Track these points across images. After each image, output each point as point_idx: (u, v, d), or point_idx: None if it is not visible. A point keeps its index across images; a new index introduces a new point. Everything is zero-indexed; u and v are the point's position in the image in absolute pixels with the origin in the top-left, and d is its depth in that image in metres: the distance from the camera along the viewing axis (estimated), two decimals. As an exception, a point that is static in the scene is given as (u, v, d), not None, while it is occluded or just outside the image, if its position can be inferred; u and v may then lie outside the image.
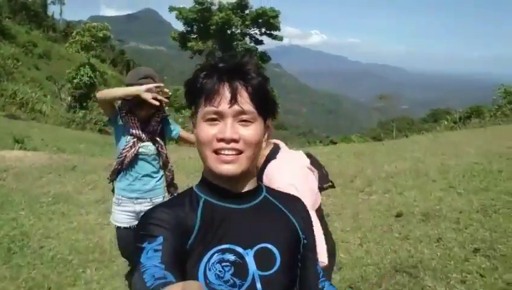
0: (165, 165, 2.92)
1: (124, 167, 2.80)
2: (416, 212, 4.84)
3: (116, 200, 2.87)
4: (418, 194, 5.31)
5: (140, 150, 2.77)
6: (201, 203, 1.05)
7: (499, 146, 6.90)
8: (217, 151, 0.99)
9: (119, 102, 2.76)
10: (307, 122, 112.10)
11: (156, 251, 0.89)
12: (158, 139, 2.84)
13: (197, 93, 1.02)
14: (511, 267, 3.47)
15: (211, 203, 1.05)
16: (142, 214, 2.76)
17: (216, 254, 0.97)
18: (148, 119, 2.75)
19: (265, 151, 1.89)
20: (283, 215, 1.12)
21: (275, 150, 1.93)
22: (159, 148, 2.85)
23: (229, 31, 33.02)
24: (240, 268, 0.98)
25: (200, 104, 1.02)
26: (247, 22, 33.10)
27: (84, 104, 22.14)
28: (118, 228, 2.87)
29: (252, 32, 34.31)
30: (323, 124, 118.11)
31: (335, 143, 34.02)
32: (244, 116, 0.99)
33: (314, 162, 2.09)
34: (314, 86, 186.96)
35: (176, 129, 3.02)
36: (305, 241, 1.14)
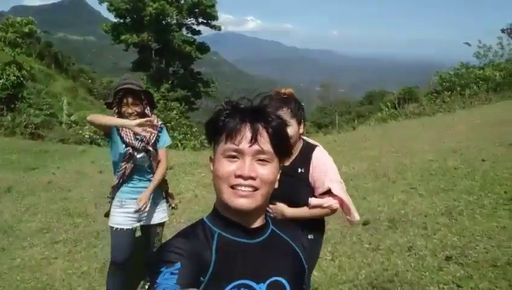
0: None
1: (125, 178, 2.98)
2: (383, 218, 4.77)
3: (118, 203, 3.01)
4: (381, 198, 5.26)
5: (137, 161, 2.97)
6: (215, 237, 1.08)
7: (449, 140, 7.06)
8: (233, 187, 1.05)
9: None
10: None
11: (172, 273, 0.93)
12: (150, 148, 2.98)
13: (218, 131, 1.08)
14: (484, 274, 3.45)
15: (225, 238, 1.09)
16: (143, 215, 3.01)
17: None
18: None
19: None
20: (289, 247, 1.19)
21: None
22: (150, 158, 2.99)
23: (164, 22, 31.60)
24: None
25: (220, 141, 1.08)
26: (183, 12, 31.91)
27: (12, 106, 20.32)
28: (116, 230, 3.00)
29: (189, 23, 33.20)
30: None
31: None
32: (262, 156, 1.06)
33: None
34: (250, 72, 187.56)
35: (165, 142, 3.15)
36: (306, 270, 1.21)
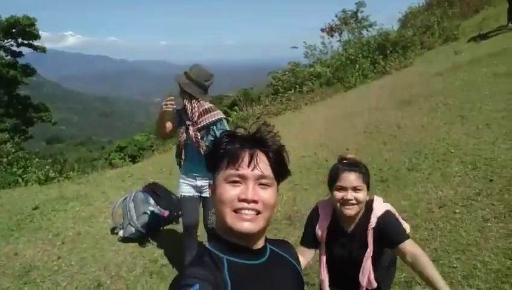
0: None
1: (181, 149, 3.70)
2: (280, 217, 4.81)
3: (183, 175, 3.71)
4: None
5: (184, 138, 3.61)
6: (225, 263, 1.10)
7: (312, 135, 7.31)
8: (237, 211, 1.08)
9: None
10: (82, 130, 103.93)
11: None
12: (192, 131, 3.54)
13: (219, 158, 1.12)
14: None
15: (234, 262, 1.11)
16: (203, 188, 3.68)
17: None
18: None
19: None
20: (289, 263, 1.26)
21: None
22: (194, 139, 3.55)
23: (-21, 46, 26.92)
24: None
25: (221, 168, 1.12)
26: (-2, 34, 27.64)
27: None
28: (183, 197, 3.70)
29: (7, 45, 28.81)
30: (100, 129, 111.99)
31: (124, 147, 32.55)
32: (263, 181, 1.10)
33: None
34: (80, 90, 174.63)
35: (217, 132, 3.49)
36: (304, 282, 1.30)
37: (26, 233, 5.47)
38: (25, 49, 29.37)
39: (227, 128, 3.60)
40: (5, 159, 13.13)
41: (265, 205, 1.10)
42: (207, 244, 1.18)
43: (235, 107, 16.40)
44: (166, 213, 5.17)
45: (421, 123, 6.47)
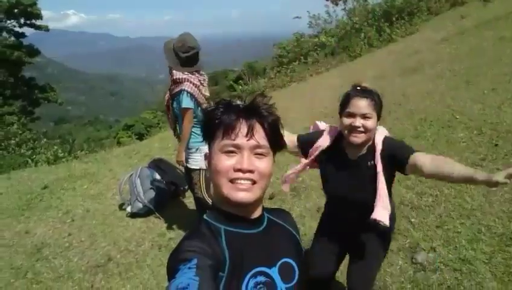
0: None
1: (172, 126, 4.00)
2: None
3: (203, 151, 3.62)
4: (274, 173, 5.33)
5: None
6: (223, 233, 1.11)
7: (318, 106, 7.25)
8: (233, 181, 1.08)
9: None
10: (89, 110, 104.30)
11: (190, 268, 0.93)
12: (166, 96, 3.86)
13: (215, 128, 1.12)
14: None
15: (231, 232, 1.12)
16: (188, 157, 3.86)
17: (251, 280, 1.07)
18: None
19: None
20: (286, 230, 1.28)
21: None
22: (165, 104, 3.90)
23: (-20, 28, 26.74)
24: (271, 286, 1.11)
25: (217, 138, 1.12)
26: (0, 15, 27.43)
27: None
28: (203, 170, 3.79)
29: (9, 26, 28.56)
30: (107, 109, 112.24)
31: (131, 126, 32.68)
32: (259, 150, 1.10)
33: None
34: (86, 70, 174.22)
35: (176, 104, 3.79)
36: (303, 251, 1.32)
37: (36, 212, 5.59)
38: (27, 30, 29.18)
39: (184, 102, 3.62)
40: (13, 141, 13.28)
41: (261, 174, 1.10)
42: (204, 215, 1.18)
43: (240, 81, 16.32)
44: (172, 188, 5.22)
45: (426, 90, 6.37)
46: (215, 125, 1.12)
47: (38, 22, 28.75)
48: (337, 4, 15.76)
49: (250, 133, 1.09)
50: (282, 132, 1.18)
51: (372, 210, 2.10)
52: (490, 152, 4.21)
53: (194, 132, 3.69)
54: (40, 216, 5.44)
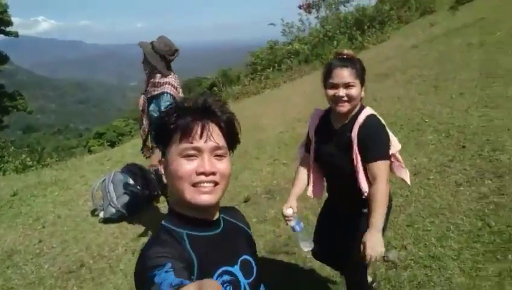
0: None
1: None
2: (260, 192, 4.85)
3: None
4: (251, 175, 5.29)
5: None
6: (185, 238, 1.10)
7: (291, 112, 7.29)
8: (195, 185, 1.07)
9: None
10: (59, 118, 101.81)
11: (167, 272, 0.90)
12: (142, 99, 3.86)
13: (170, 132, 1.09)
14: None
15: (194, 235, 1.11)
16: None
17: (217, 279, 1.08)
18: None
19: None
20: (241, 229, 1.30)
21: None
22: (141, 107, 3.91)
23: None
24: (235, 283, 1.12)
25: (173, 142, 1.09)
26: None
27: None
28: None
29: None
30: (78, 116, 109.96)
31: (102, 134, 32.00)
32: (219, 152, 1.10)
33: None
34: (56, 77, 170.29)
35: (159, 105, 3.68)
36: (254, 243, 1.33)
37: (6, 219, 5.43)
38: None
39: (167, 104, 3.66)
40: (-20, 150, 12.83)
41: (222, 175, 1.10)
42: (162, 222, 1.15)
43: (214, 88, 16.27)
44: (145, 192, 5.16)
45: (397, 95, 6.56)
46: (170, 129, 1.09)
47: (7, 29, 27.98)
48: (310, 12, 16.00)
49: (208, 134, 1.08)
50: (238, 127, 1.17)
51: (355, 181, 2.14)
52: (458, 154, 4.36)
53: None
54: (10, 223, 5.28)
